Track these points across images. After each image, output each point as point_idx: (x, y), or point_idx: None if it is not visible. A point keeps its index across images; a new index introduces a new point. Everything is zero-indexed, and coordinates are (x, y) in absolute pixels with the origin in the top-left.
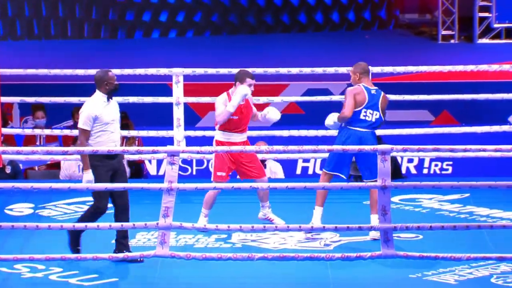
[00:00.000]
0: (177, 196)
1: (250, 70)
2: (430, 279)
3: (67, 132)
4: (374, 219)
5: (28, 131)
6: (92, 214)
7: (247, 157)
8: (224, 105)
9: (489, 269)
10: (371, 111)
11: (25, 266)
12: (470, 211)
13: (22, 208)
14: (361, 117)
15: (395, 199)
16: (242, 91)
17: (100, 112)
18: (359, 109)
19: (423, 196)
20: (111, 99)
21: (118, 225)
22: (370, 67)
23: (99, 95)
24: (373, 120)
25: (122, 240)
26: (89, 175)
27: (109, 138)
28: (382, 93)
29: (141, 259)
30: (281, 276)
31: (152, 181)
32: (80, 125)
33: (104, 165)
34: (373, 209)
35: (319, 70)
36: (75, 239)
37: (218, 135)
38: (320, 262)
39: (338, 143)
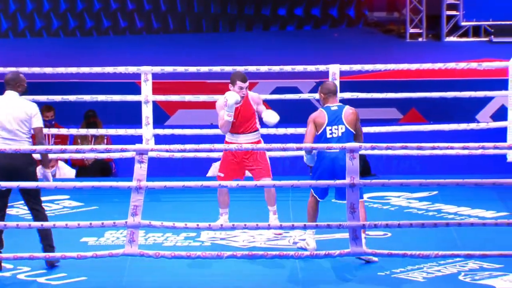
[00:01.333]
0: (146, 195)
1: (219, 68)
2: (399, 277)
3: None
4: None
5: None
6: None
7: (252, 159)
8: (222, 109)
9: (457, 266)
10: (336, 127)
11: None
12: (439, 208)
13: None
14: (328, 136)
15: (364, 197)
16: (230, 99)
17: None
18: (322, 130)
19: (391, 194)
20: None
21: (86, 223)
22: (337, 67)
23: (16, 95)
24: (340, 134)
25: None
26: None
27: None
28: (346, 106)
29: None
30: (250, 274)
31: (121, 180)
32: (41, 124)
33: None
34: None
35: (288, 68)
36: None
37: (227, 136)
38: (289, 260)
39: (313, 169)
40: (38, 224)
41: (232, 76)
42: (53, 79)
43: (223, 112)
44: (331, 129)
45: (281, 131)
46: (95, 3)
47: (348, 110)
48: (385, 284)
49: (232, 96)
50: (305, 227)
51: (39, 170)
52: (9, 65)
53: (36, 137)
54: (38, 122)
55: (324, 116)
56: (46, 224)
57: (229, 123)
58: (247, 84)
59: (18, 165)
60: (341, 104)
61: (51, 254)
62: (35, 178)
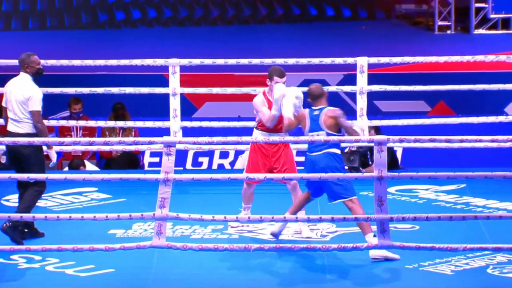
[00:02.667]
0: (174, 187)
1: (246, 61)
2: (427, 270)
3: (63, 122)
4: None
5: None
6: (36, 197)
7: (278, 158)
8: (263, 105)
9: (486, 259)
10: (317, 133)
11: (21, 257)
12: (467, 201)
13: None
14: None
15: (392, 189)
16: (277, 95)
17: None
18: (306, 131)
19: (419, 186)
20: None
21: (114, 215)
22: (365, 60)
23: (26, 77)
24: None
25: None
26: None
27: None
28: (324, 109)
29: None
30: (277, 267)
31: (149, 172)
32: (38, 107)
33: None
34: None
35: (315, 60)
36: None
37: (258, 135)
38: (316, 252)
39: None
40: (66, 216)
41: (270, 70)
42: (81, 71)
43: (267, 111)
44: (312, 135)
45: None
46: None
47: (327, 113)
48: (412, 277)
49: (279, 91)
50: (332, 220)
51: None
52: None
53: (33, 120)
54: (33, 105)
55: (306, 121)
56: (74, 216)
57: (276, 117)
58: (284, 79)
59: (20, 145)
60: (323, 107)
61: (78, 246)
62: (35, 158)
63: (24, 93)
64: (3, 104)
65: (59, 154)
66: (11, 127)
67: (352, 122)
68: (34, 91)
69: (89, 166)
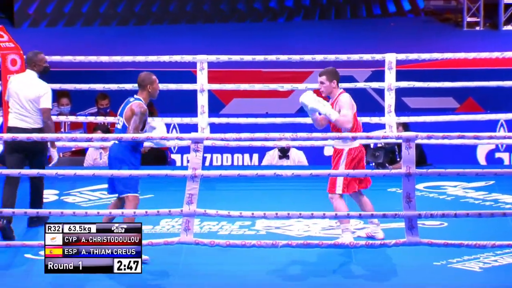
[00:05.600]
0: (201, 183)
1: (274, 57)
2: (455, 267)
3: (91, 119)
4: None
5: (52, 118)
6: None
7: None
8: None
9: None
10: (121, 118)
11: None
12: (495, 198)
13: (47, 195)
14: (116, 125)
15: (420, 186)
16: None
17: None
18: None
19: (447, 183)
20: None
21: (142, 212)
22: (394, 56)
23: (33, 74)
24: (120, 127)
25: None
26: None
27: None
28: (131, 101)
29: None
30: (305, 263)
31: (177, 168)
32: (49, 105)
33: None
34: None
35: (343, 57)
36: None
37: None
38: (344, 249)
39: None
40: (94, 212)
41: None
42: (109, 67)
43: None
44: (118, 120)
45: None
46: None
47: (129, 105)
48: (441, 273)
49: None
50: (360, 217)
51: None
52: (64, 53)
53: (43, 116)
54: (45, 103)
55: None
56: (102, 211)
57: (317, 122)
58: (320, 79)
59: (32, 141)
60: (135, 97)
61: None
62: (44, 155)
63: (36, 91)
64: (6, 98)
65: (85, 149)
66: (15, 122)
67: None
68: (45, 89)
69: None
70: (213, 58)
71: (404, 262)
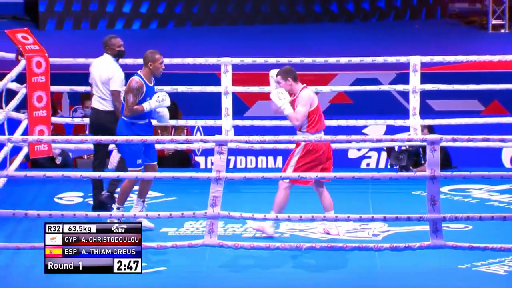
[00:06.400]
0: (225, 186)
1: (298, 59)
2: (480, 270)
3: None
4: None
5: (77, 120)
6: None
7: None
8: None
9: None
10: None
11: None
12: None
13: (72, 197)
14: None
15: (444, 189)
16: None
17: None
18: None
19: (472, 186)
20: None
21: (166, 214)
22: (418, 58)
23: (108, 58)
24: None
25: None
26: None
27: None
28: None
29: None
30: (329, 266)
31: (201, 171)
32: (118, 87)
33: None
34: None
35: (368, 59)
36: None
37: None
38: (368, 252)
39: None
40: (119, 214)
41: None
42: (133, 70)
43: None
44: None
45: (361, 122)
46: None
47: (128, 81)
48: (465, 276)
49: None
50: (385, 219)
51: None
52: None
53: (112, 98)
54: (114, 85)
55: None
56: (126, 214)
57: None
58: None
59: (102, 122)
60: (136, 73)
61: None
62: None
63: (107, 73)
64: (90, 81)
65: (110, 152)
66: (95, 104)
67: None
68: (115, 71)
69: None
70: (237, 60)
71: (429, 265)
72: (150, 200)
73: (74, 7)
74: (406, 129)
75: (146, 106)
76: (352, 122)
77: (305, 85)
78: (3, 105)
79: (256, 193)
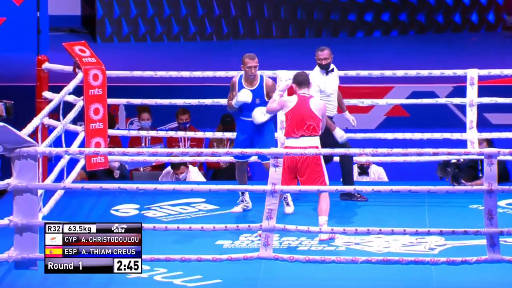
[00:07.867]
0: (281, 198)
1: (354, 72)
2: None
3: (172, 133)
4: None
5: (133, 133)
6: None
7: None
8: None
9: None
10: None
11: None
12: None
13: (128, 209)
14: None
15: (502, 203)
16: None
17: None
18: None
19: None
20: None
21: (222, 226)
22: (476, 72)
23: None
24: None
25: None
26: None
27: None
28: None
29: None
30: (385, 279)
31: (256, 183)
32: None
33: None
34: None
35: (424, 72)
36: None
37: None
38: (424, 266)
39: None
40: (174, 226)
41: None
42: (189, 82)
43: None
44: None
45: (417, 136)
46: (215, 9)
47: None
48: None
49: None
50: (441, 233)
51: None
52: (145, 68)
53: None
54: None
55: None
56: (182, 226)
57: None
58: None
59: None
60: None
61: (186, 257)
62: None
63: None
64: None
65: (166, 164)
66: None
67: None
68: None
69: (193, 170)
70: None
71: (486, 279)
72: (206, 213)
73: (130, 19)
74: (463, 142)
75: (234, 101)
76: (408, 135)
77: (305, 93)
78: (61, 117)
79: (311, 206)
